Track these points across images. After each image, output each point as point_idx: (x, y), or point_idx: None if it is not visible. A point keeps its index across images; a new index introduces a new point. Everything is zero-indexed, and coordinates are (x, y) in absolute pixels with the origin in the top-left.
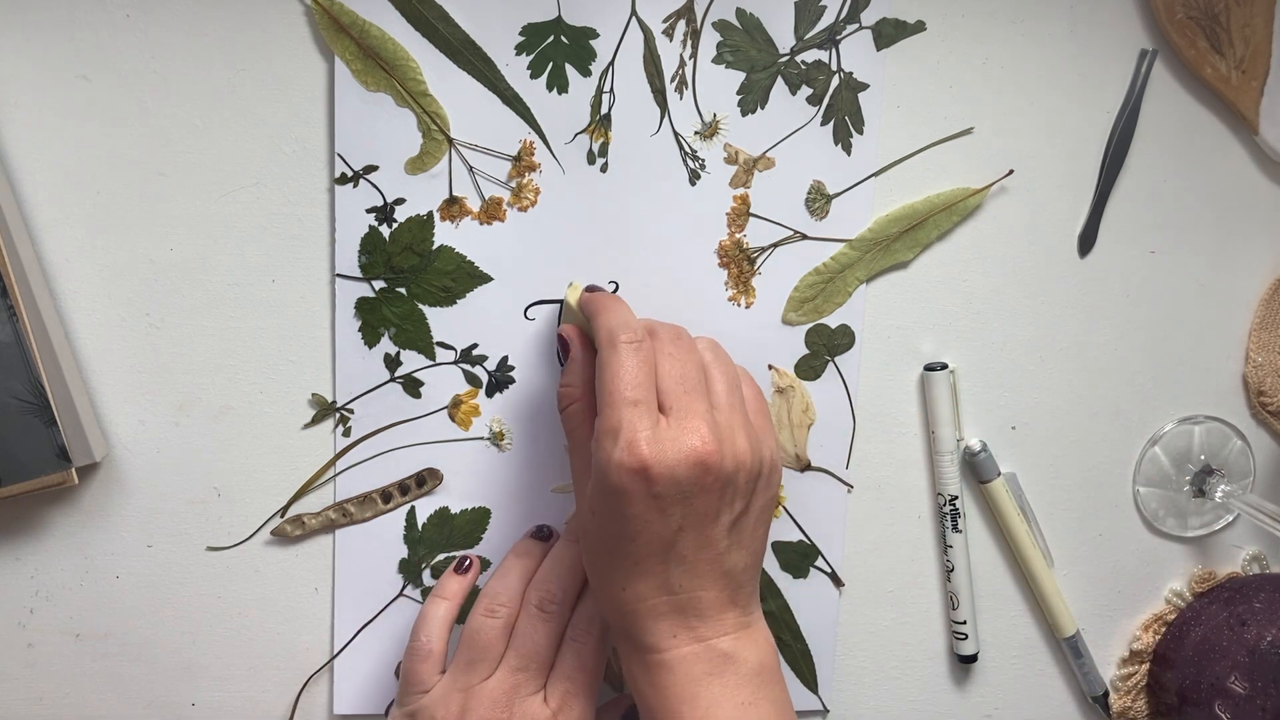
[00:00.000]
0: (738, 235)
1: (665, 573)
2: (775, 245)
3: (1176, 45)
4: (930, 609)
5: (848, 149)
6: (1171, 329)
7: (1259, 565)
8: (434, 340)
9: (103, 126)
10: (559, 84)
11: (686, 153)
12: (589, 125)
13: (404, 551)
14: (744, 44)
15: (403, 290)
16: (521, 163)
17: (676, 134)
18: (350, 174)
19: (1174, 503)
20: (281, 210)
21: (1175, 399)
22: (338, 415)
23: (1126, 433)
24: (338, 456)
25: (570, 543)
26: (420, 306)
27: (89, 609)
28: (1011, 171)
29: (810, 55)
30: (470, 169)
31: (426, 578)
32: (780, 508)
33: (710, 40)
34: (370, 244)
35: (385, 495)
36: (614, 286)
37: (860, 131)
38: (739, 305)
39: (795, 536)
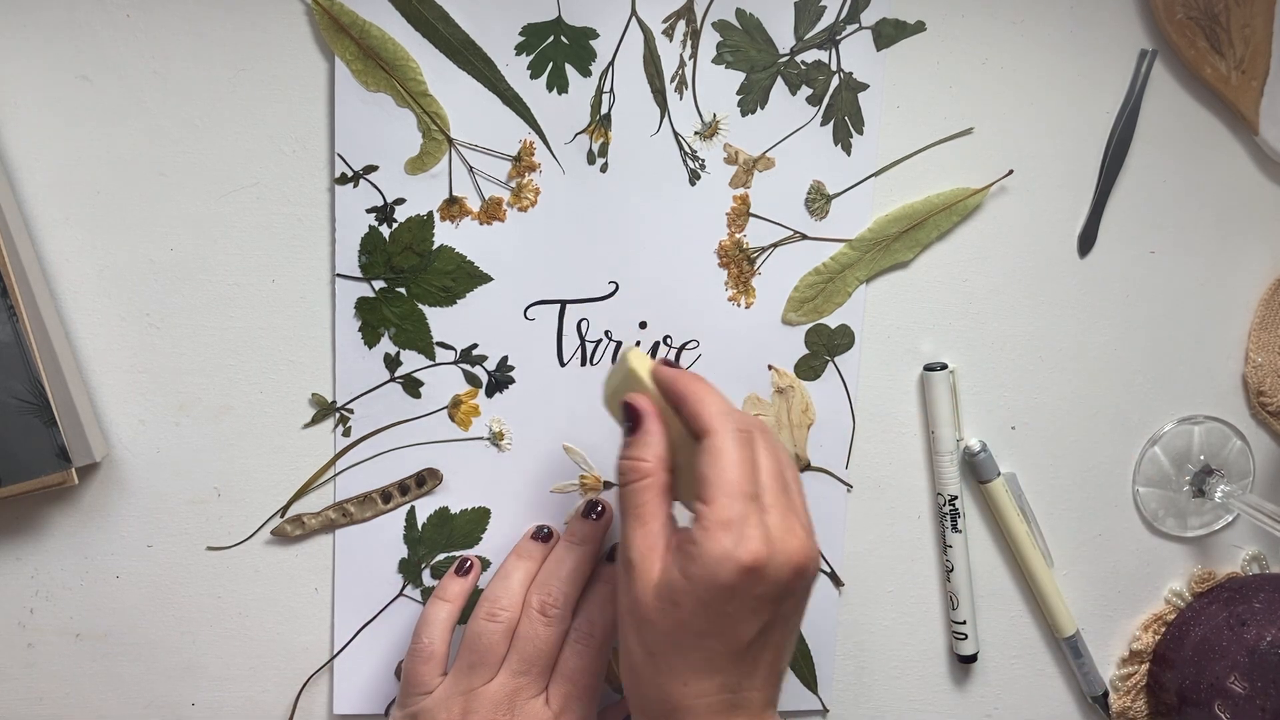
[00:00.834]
0: (738, 235)
1: (735, 673)
2: (775, 245)
3: (1176, 45)
4: (930, 609)
5: (848, 149)
6: (1171, 329)
7: (1259, 565)
8: (434, 340)
9: (103, 126)
10: (559, 84)
11: (686, 153)
12: (589, 125)
13: (404, 551)
14: (744, 44)
15: (403, 290)
16: (521, 163)
17: (676, 134)
18: (350, 174)
19: (1174, 503)
20: (281, 210)
21: (1175, 399)
22: (338, 415)
23: (1126, 433)
24: (338, 456)
25: (571, 545)
26: (420, 306)
27: (89, 609)
28: (1011, 171)
29: (810, 55)
30: (470, 169)
31: (426, 578)
32: None
33: (710, 40)
34: (370, 244)
35: (385, 495)
36: (614, 286)
37: (860, 131)
38: (739, 305)
39: None
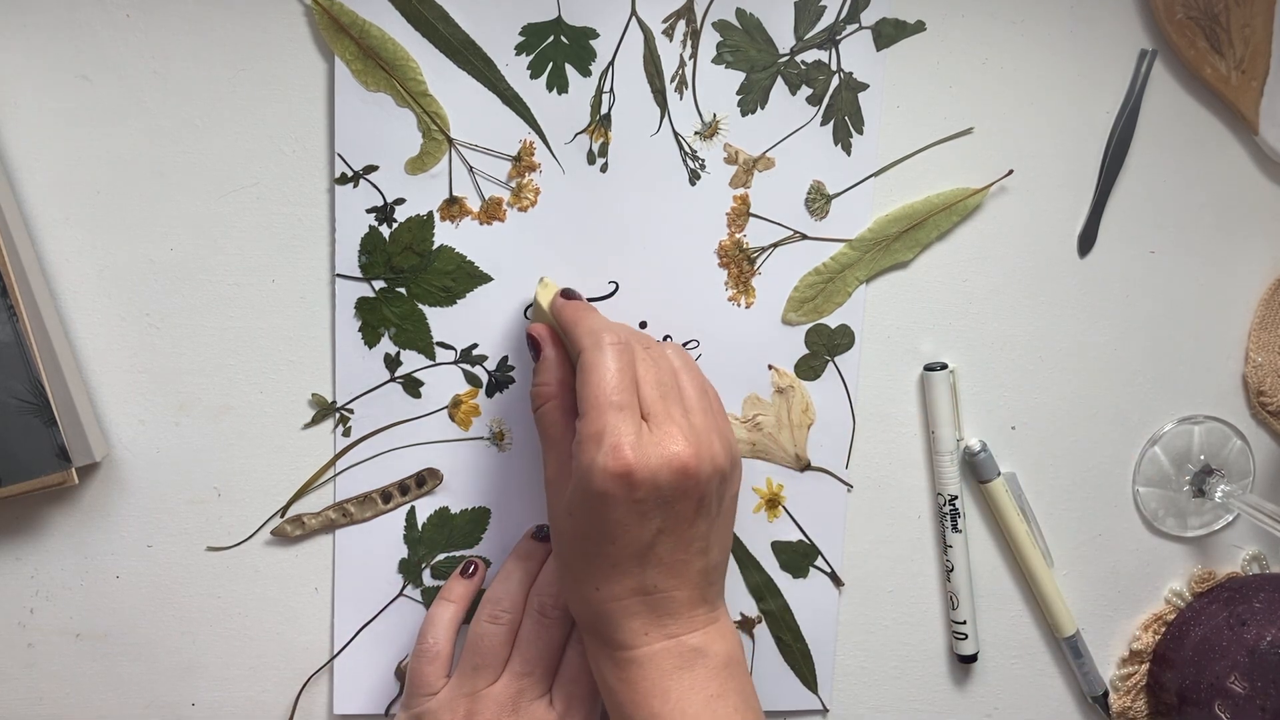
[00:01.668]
0: (738, 235)
1: (641, 575)
2: (775, 245)
3: (1176, 45)
4: (930, 609)
5: (848, 149)
6: (1171, 329)
7: (1259, 565)
8: (434, 340)
9: (103, 126)
10: (559, 84)
11: (686, 153)
12: (589, 125)
13: (404, 551)
14: (744, 44)
15: (403, 290)
16: (521, 163)
17: (676, 134)
18: (350, 174)
19: (1174, 503)
20: (281, 210)
21: (1175, 399)
22: (338, 415)
23: (1126, 433)
24: (338, 456)
25: None
26: (420, 306)
27: (89, 609)
28: (1011, 171)
29: (810, 55)
30: (470, 169)
31: (426, 578)
32: (780, 507)
33: (710, 40)
34: (370, 244)
35: (385, 495)
36: (614, 286)
37: (860, 131)
38: (739, 305)
39: (795, 536)
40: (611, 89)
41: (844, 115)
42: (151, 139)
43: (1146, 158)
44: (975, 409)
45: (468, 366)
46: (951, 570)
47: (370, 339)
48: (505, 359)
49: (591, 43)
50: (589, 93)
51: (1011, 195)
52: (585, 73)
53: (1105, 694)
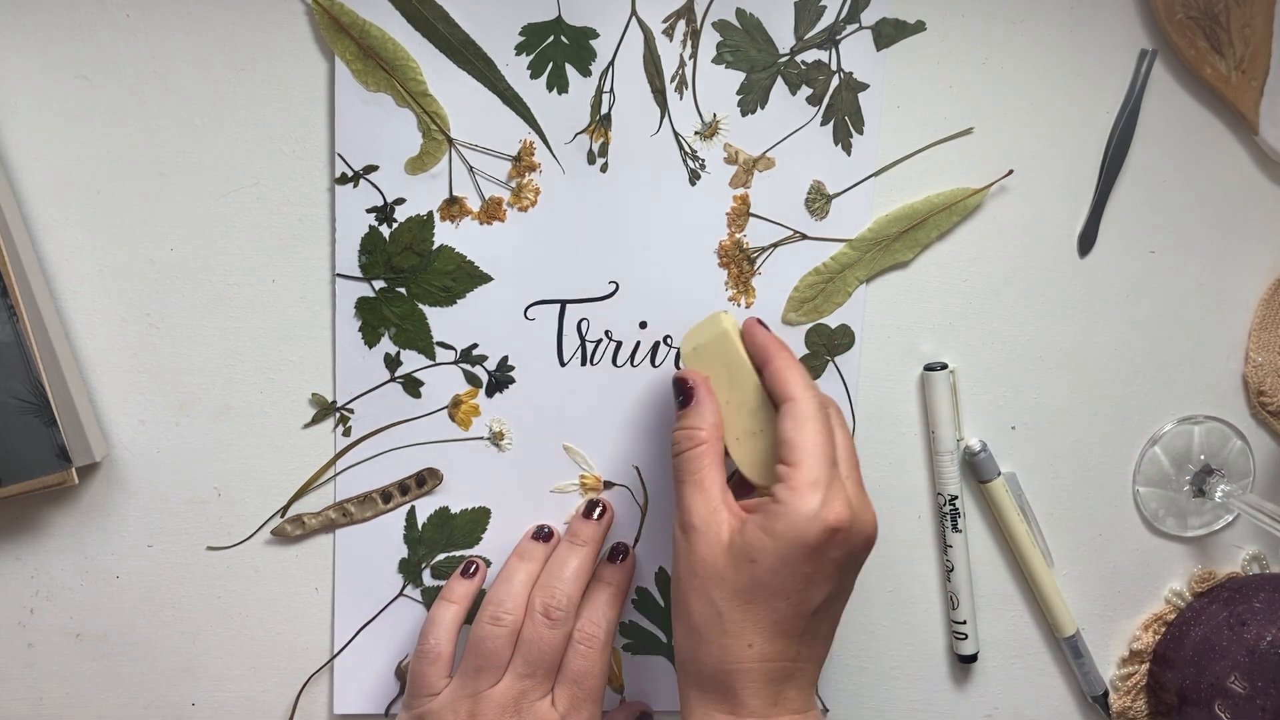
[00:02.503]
0: (738, 235)
1: (798, 638)
2: (775, 245)
3: (1176, 45)
4: (930, 609)
5: (848, 149)
6: (1171, 329)
7: (1259, 565)
8: (434, 340)
9: (103, 126)
10: (559, 84)
11: (686, 153)
12: (589, 125)
13: (404, 551)
14: (744, 44)
15: (403, 290)
16: (521, 163)
17: (676, 134)
18: (350, 174)
19: (1174, 503)
20: (281, 210)
21: (1175, 399)
22: (338, 415)
23: (1126, 433)
24: (338, 456)
25: (572, 545)
26: (420, 306)
27: (89, 609)
28: (1011, 171)
29: (810, 55)
30: (470, 169)
31: (426, 578)
32: None
33: (710, 40)
34: (370, 244)
35: (385, 495)
36: (614, 286)
37: (860, 131)
38: (739, 305)
39: None
40: (611, 89)
41: (844, 115)
42: (151, 139)
43: (1146, 158)
44: (975, 409)
45: (468, 366)
46: (951, 570)
47: (370, 339)
48: (505, 359)
49: (591, 43)
50: (589, 93)
51: (1011, 195)
52: (585, 73)
53: (1105, 694)
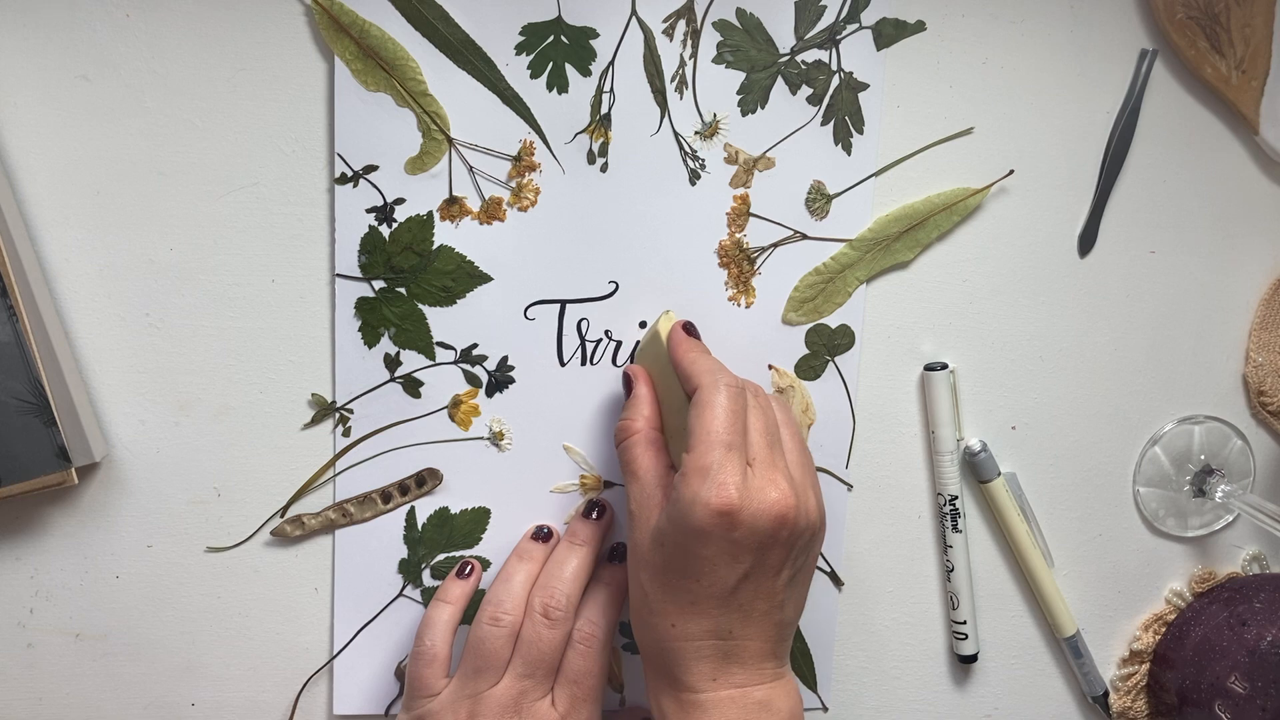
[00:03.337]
0: (738, 235)
1: (720, 618)
2: (775, 245)
3: (1176, 45)
4: (930, 609)
5: (848, 149)
6: (1171, 329)
7: (1259, 565)
8: (434, 340)
9: (103, 126)
10: (559, 84)
11: (686, 153)
12: (589, 125)
13: (404, 551)
14: (744, 44)
15: (403, 290)
16: (521, 163)
17: (676, 134)
18: (350, 174)
19: (1174, 503)
20: (281, 210)
21: (1175, 399)
22: (338, 415)
23: (1126, 433)
24: (338, 456)
25: (572, 546)
26: (420, 306)
27: (89, 609)
28: (1011, 171)
29: (810, 55)
30: (470, 169)
31: (426, 578)
32: None
33: (710, 40)
34: (370, 244)
35: (385, 495)
36: (614, 286)
37: (860, 131)
38: (739, 305)
39: None
40: (611, 89)
41: (844, 115)
42: (151, 139)
43: (1147, 158)
44: (975, 409)
45: (468, 366)
46: (952, 570)
47: (370, 339)
48: (505, 359)
49: (591, 42)
50: (589, 92)
51: (1011, 195)
52: (585, 72)
53: (1105, 694)
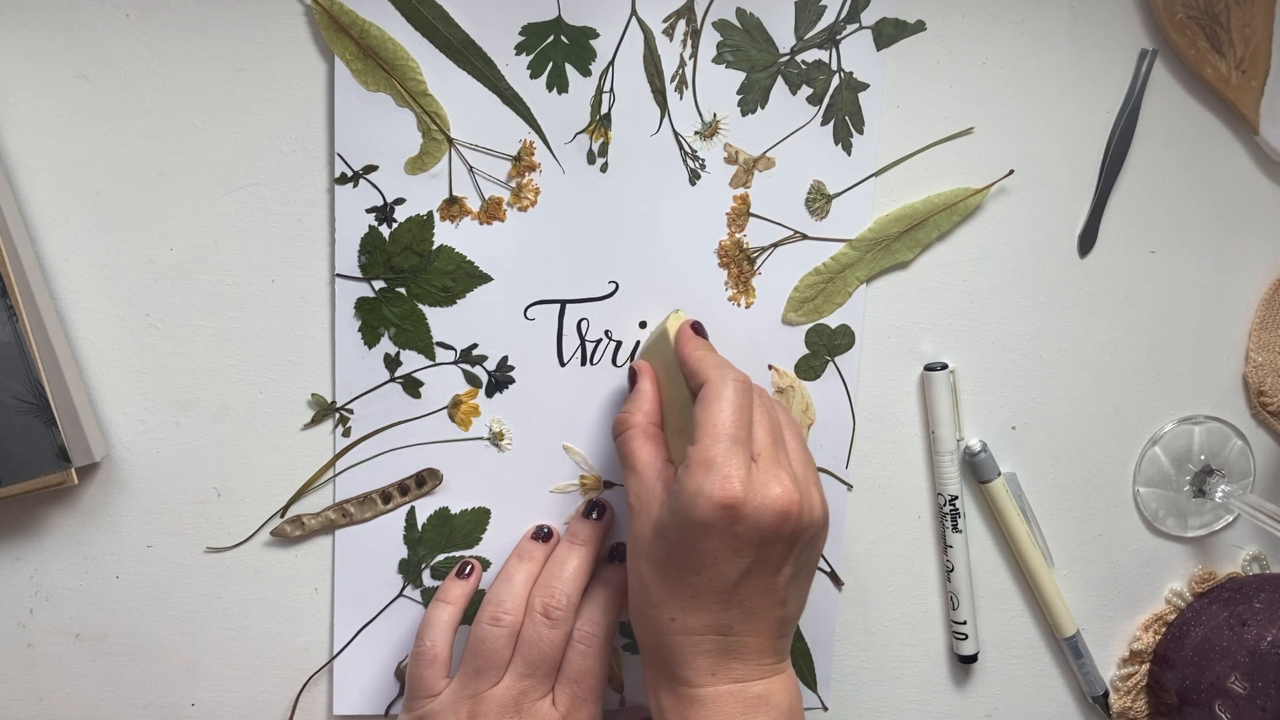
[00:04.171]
0: (738, 235)
1: (720, 612)
2: (775, 245)
3: (1176, 45)
4: (930, 609)
5: (848, 149)
6: (1171, 329)
7: (1259, 565)
8: (434, 340)
9: (103, 126)
10: (559, 84)
11: (686, 153)
12: (589, 125)
13: (404, 552)
14: (744, 44)
15: (403, 290)
16: (521, 163)
17: (676, 134)
18: (350, 174)
19: (1174, 503)
20: (281, 210)
21: (1175, 399)
22: (337, 415)
23: (1126, 433)
24: (337, 456)
25: (572, 545)
26: (420, 306)
27: (89, 609)
28: (1011, 171)
29: (810, 55)
30: (470, 169)
31: (426, 578)
32: None
33: (710, 40)
34: (370, 244)
35: (385, 495)
36: (614, 286)
37: (860, 131)
38: (739, 305)
39: None
40: (611, 89)
41: (844, 115)
42: (151, 139)
43: (1147, 158)
44: (975, 409)
45: (467, 366)
46: (952, 570)
47: (370, 339)
48: (505, 359)
49: (591, 42)
50: (589, 92)
51: (1011, 195)
52: (585, 72)
53: (1105, 694)
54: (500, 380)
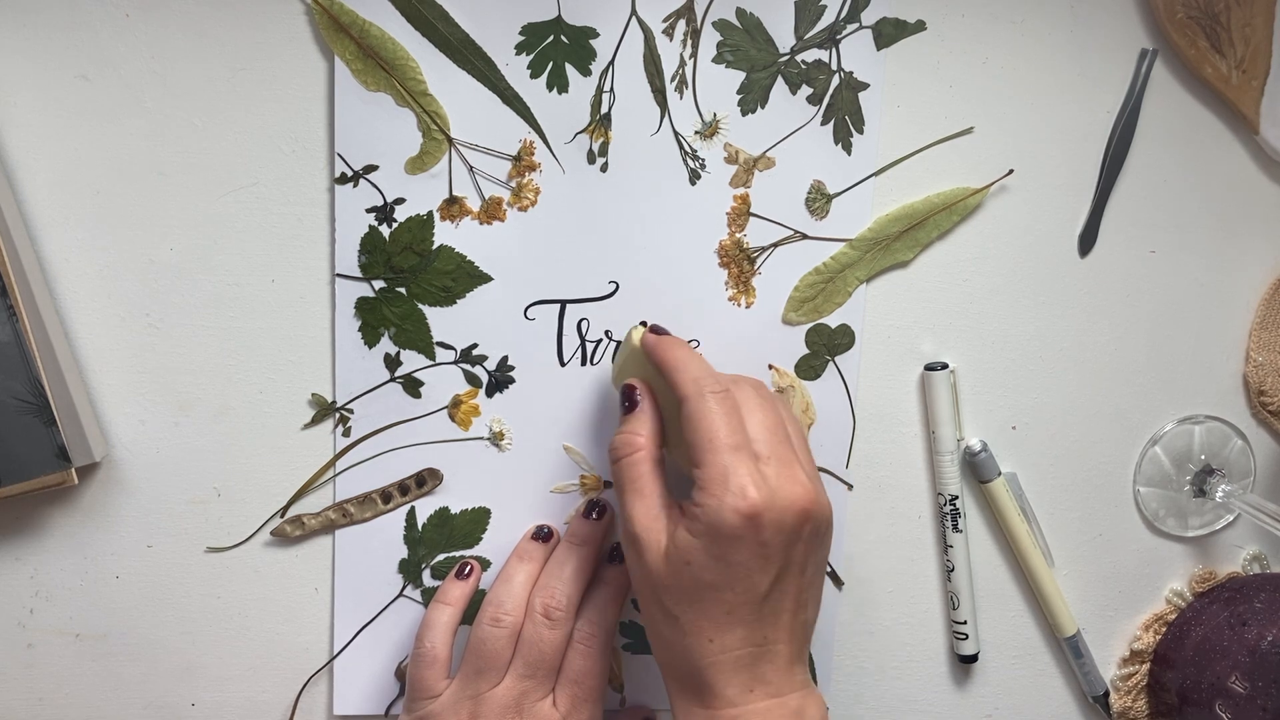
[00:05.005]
0: (738, 235)
1: (755, 624)
2: (775, 245)
3: (1176, 45)
4: (930, 609)
5: (848, 148)
6: (1171, 329)
7: (1259, 565)
8: (434, 340)
9: (103, 126)
10: (559, 84)
11: (686, 152)
12: (589, 125)
13: (404, 552)
14: (744, 43)
15: (403, 290)
16: (521, 162)
17: (676, 134)
18: (350, 174)
19: (1174, 502)
20: (281, 210)
21: (1175, 399)
22: (338, 415)
23: (1126, 433)
24: (338, 456)
25: (572, 546)
26: (420, 306)
27: (89, 609)
28: (1011, 171)
29: (810, 55)
30: (470, 169)
31: (426, 578)
32: None
33: (710, 40)
34: (370, 244)
35: (385, 495)
36: (614, 286)
37: (860, 131)
38: (739, 305)
39: None
40: (611, 88)
41: (844, 115)
42: (151, 139)
43: (1147, 158)
44: (975, 409)
45: (468, 366)
46: (952, 570)
47: (370, 339)
48: (505, 359)
49: (591, 42)
50: (589, 92)
51: (1011, 195)
52: (585, 72)
53: (1106, 694)
54: (500, 380)
